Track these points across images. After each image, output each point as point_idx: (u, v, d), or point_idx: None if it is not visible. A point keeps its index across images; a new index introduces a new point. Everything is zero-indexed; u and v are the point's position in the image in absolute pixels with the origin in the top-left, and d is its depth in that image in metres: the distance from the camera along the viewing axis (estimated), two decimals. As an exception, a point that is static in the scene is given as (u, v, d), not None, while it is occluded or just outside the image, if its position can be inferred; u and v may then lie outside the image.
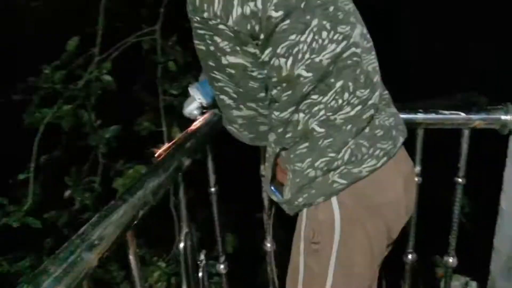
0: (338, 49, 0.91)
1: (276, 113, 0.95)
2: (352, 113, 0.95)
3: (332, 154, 0.95)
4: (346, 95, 0.93)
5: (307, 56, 0.88)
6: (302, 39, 0.87)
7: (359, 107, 0.95)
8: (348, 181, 0.96)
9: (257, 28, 0.85)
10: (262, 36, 0.86)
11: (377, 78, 1.01)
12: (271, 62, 0.89)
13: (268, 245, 1.58)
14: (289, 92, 0.91)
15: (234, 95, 0.97)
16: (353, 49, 0.93)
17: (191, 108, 1.30)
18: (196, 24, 0.89)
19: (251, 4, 0.84)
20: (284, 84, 0.91)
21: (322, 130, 0.94)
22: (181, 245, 1.22)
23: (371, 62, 1.00)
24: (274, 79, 0.91)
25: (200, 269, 1.33)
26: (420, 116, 1.36)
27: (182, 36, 2.45)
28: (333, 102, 0.93)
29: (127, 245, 0.94)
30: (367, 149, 0.96)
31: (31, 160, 2.15)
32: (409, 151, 1.15)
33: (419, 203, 1.44)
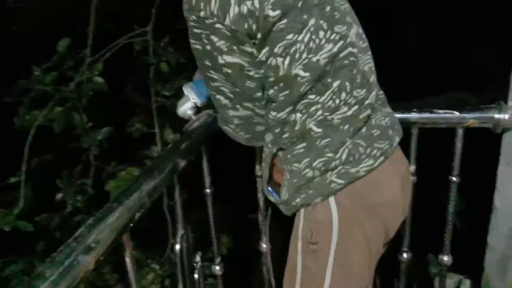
0: (335, 49, 0.90)
1: (273, 113, 0.95)
2: (349, 113, 0.95)
3: (330, 154, 0.95)
4: (343, 95, 0.93)
5: (304, 55, 0.88)
6: (300, 38, 0.87)
7: (356, 107, 0.95)
8: (346, 181, 0.95)
9: (254, 27, 0.85)
10: (259, 36, 0.86)
11: (373, 78, 1.01)
12: (268, 61, 0.88)
13: (264, 245, 1.57)
14: (286, 92, 0.91)
15: (231, 95, 0.96)
16: (350, 49, 0.93)
17: (185, 108, 1.28)
18: (192, 23, 0.88)
19: (248, 3, 0.83)
20: (281, 84, 0.90)
21: (320, 130, 0.94)
22: (177, 246, 1.21)
23: (367, 62, 1.00)
24: (271, 79, 0.90)
25: (196, 271, 1.32)
26: (414, 115, 1.37)
27: (174, 37, 2.43)
28: (331, 102, 0.92)
29: (123, 248, 0.93)
30: (365, 149, 0.96)
31: (22, 163, 2.12)
32: (403, 150, 1.15)
33: (413, 202, 1.45)
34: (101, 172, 2.47)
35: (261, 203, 1.52)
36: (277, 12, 0.84)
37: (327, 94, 0.92)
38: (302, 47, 0.87)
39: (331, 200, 0.97)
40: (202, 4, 0.85)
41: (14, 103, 2.15)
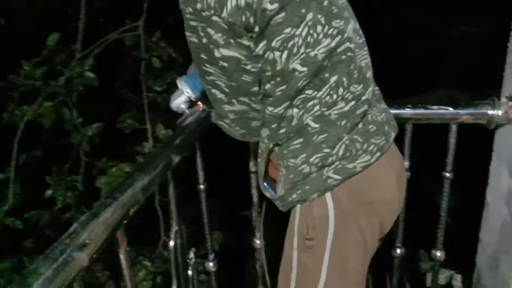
0: (333, 44, 0.90)
1: (270, 109, 0.94)
2: (346, 108, 0.94)
3: (327, 150, 0.94)
4: (340, 90, 0.92)
5: (302, 50, 0.87)
6: (297, 32, 0.86)
7: (353, 103, 0.95)
8: (343, 176, 0.95)
9: (251, 20, 0.83)
10: (256, 29, 0.84)
11: (369, 73, 1.01)
12: (266, 55, 0.87)
13: (258, 241, 1.57)
14: (284, 86, 0.90)
15: (226, 89, 0.95)
16: (347, 44, 0.92)
17: (178, 101, 1.26)
18: (188, 16, 0.87)
19: None
20: (278, 79, 0.89)
21: (317, 125, 0.93)
22: (171, 243, 1.20)
23: (363, 57, 0.99)
24: (268, 73, 0.89)
25: (190, 267, 1.31)
26: (408, 111, 1.37)
27: (166, 32, 2.41)
28: (328, 97, 0.92)
29: (117, 245, 0.91)
30: (361, 144, 0.96)
31: (11, 159, 2.09)
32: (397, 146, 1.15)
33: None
34: (92, 168, 2.45)
35: (255, 199, 1.51)
36: (275, 5, 0.83)
37: (324, 89, 0.91)
38: (300, 41, 0.86)
39: (328, 195, 0.97)
40: None
41: (3, 98, 2.11)
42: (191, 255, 1.32)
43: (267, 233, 1.68)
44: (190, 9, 0.85)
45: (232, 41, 0.86)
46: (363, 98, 0.96)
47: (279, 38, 0.85)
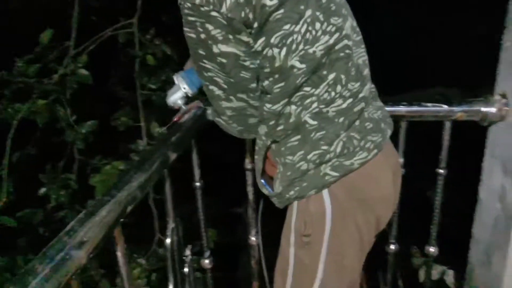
0: (331, 41, 0.90)
1: (268, 106, 0.94)
2: (344, 105, 0.95)
3: (324, 147, 0.95)
4: (338, 87, 0.93)
5: (301, 47, 0.87)
6: (296, 29, 0.86)
7: (350, 100, 0.95)
8: (340, 173, 0.96)
9: (251, 16, 0.83)
10: (255, 25, 0.84)
11: (366, 71, 1.01)
12: (264, 52, 0.87)
13: (253, 238, 1.57)
14: (282, 83, 0.90)
15: (224, 86, 0.94)
16: (345, 41, 0.92)
17: (175, 97, 1.26)
18: (186, 11, 0.86)
19: None
20: (276, 75, 0.89)
21: (315, 122, 0.94)
22: (168, 240, 1.20)
23: (361, 55, 1.00)
24: (267, 70, 0.89)
25: (186, 264, 1.31)
26: (403, 108, 1.38)
27: (160, 29, 2.40)
28: (326, 94, 0.92)
29: (114, 242, 0.91)
30: (358, 141, 0.97)
31: (4, 157, 2.07)
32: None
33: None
34: (85, 166, 2.44)
35: (251, 196, 1.52)
36: (274, 1, 0.82)
37: (322, 86, 0.91)
38: (299, 38, 0.86)
39: (325, 192, 0.97)
40: None
41: (-4, 96, 2.10)
42: (187, 252, 1.32)
43: (264, 230, 1.69)
44: (189, 4, 0.84)
45: (230, 37, 0.86)
46: (360, 95, 0.97)
47: (278, 34, 0.85)
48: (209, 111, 1.35)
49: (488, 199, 1.45)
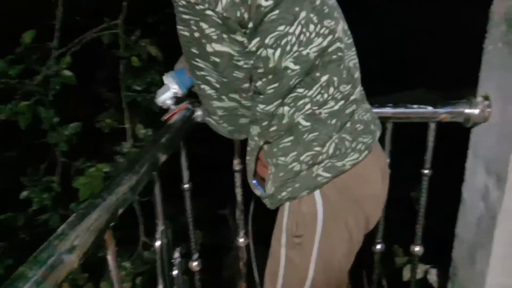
0: (324, 43, 0.91)
1: (261, 106, 0.94)
2: (336, 107, 0.96)
3: (317, 148, 0.96)
4: (331, 89, 0.94)
5: (295, 48, 0.87)
6: (291, 30, 0.86)
7: (342, 102, 0.96)
8: (332, 174, 0.97)
9: (246, 16, 0.83)
10: (250, 25, 0.84)
11: (357, 74, 1.02)
12: (259, 52, 0.87)
13: (241, 240, 1.57)
14: (276, 84, 0.90)
15: (217, 85, 0.94)
16: (338, 44, 0.93)
17: (164, 97, 1.25)
18: (180, 9, 0.85)
19: None
20: (270, 76, 0.90)
21: (308, 124, 0.94)
22: (157, 243, 1.19)
23: (352, 58, 1.01)
24: (260, 70, 0.89)
25: (175, 267, 1.30)
26: (389, 110, 1.40)
27: (145, 31, 2.38)
28: (319, 96, 0.93)
29: (105, 245, 0.90)
30: (350, 143, 0.98)
31: (-15, 160, 2.03)
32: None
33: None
34: (69, 169, 2.40)
35: (239, 198, 1.52)
36: (270, 2, 0.83)
37: (315, 88, 0.92)
38: (293, 39, 0.87)
39: (317, 193, 0.98)
40: None
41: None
42: (176, 254, 1.31)
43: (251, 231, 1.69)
44: (184, 2, 0.84)
45: (225, 36, 0.85)
46: (352, 98, 0.98)
47: (273, 35, 0.85)
48: (198, 112, 1.34)
49: (471, 198, 1.48)
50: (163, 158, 1.12)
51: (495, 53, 1.31)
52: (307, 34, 0.88)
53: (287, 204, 1.02)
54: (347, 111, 0.98)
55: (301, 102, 0.93)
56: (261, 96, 0.93)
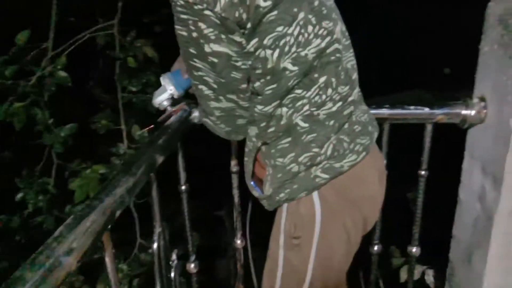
0: (323, 44, 0.91)
1: (260, 107, 0.94)
2: (334, 109, 0.96)
3: (316, 149, 0.95)
4: (329, 91, 0.94)
5: (293, 49, 0.87)
6: (289, 31, 0.86)
7: (340, 103, 0.96)
8: (331, 175, 0.97)
9: (244, 16, 0.83)
10: (249, 25, 0.84)
11: (355, 75, 1.02)
12: (257, 53, 0.87)
13: (238, 242, 1.57)
14: (274, 85, 0.90)
15: (214, 86, 0.93)
16: (336, 45, 0.93)
17: (161, 98, 1.25)
18: (179, 8, 0.85)
19: None
20: (268, 77, 0.89)
21: (306, 125, 0.94)
22: (155, 245, 1.18)
23: (349, 59, 1.01)
24: (259, 71, 0.89)
25: (172, 269, 1.30)
26: (386, 111, 1.40)
27: (141, 31, 2.38)
28: (317, 97, 0.93)
29: (102, 248, 0.90)
30: (348, 144, 0.98)
31: (-21, 161, 2.01)
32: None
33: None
34: (64, 170, 2.39)
35: (236, 199, 1.51)
36: (268, 2, 0.82)
37: (313, 89, 0.92)
38: (292, 40, 0.87)
39: (315, 194, 0.98)
40: None
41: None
42: (174, 256, 1.30)
43: (245, 232, 1.69)
44: (182, 2, 0.83)
45: (223, 36, 0.85)
46: (350, 99, 0.98)
47: (271, 36, 0.85)
48: (195, 113, 1.34)
49: (468, 199, 1.49)
50: (160, 159, 1.11)
51: (490, 54, 1.32)
52: (306, 35, 0.88)
53: (285, 205, 1.02)
54: (345, 112, 0.98)
55: (299, 103, 0.93)
56: (259, 97, 0.93)
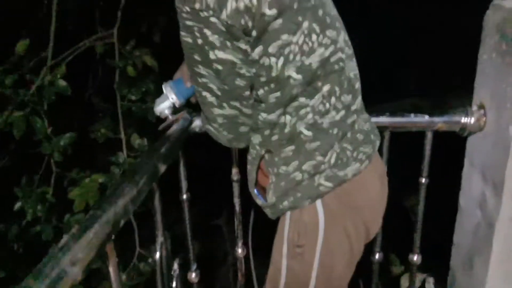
0: (327, 53, 0.91)
1: (264, 115, 0.94)
2: (337, 117, 0.96)
3: (319, 158, 0.96)
4: (332, 99, 0.94)
5: (298, 57, 0.88)
6: (294, 40, 0.87)
7: (343, 112, 0.97)
8: (334, 184, 0.97)
9: (250, 24, 0.83)
10: (254, 33, 0.85)
11: (358, 84, 1.03)
12: (261, 60, 0.88)
13: (240, 250, 1.56)
14: (278, 93, 0.91)
15: (218, 92, 0.93)
16: (339, 54, 0.94)
17: (162, 106, 1.25)
18: (184, 15, 0.85)
19: None
20: (272, 85, 0.90)
21: (310, 133, 0.95)
22: (157, 255, 1.18)
23: (352, 68, 1.02)
24: (263, 79, 0.90)
25: (174, 279, 1.29)
26: (386, 119, 1.41)
27: (140, 40, 2.39)
28: (321, 106, 0.93)
29: (106, 257, 0.89)
30: (351, 152, 0.98)
31: (-22, 171, 2.00)
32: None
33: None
34: (63, 180, 2.38)
35: (237, 208, 1.51)
36: (274, 11, 0.83)
37: (317, 97, 0.93)
38: (296, 49, 0.87)
39: (318, 202, 0.98)
40: None
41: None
42: (175, 266, 1.30)
43: (246, 241, 1.68)
44: (188, 9, 0.83)
45: (228, 43, 0.86)
46: (353, 108, 0.99)
47: (276, 44, 0.86)
48: (196, 122, 1.34)
49: (468, 206, 1.49)
50: (162, 168, 1.11)
51: (489, 62, 1.33)
52: (310, 43, 0.89)
53: (288, 213, 1.02)
54: (348, 121, 0.98)
55: (303, 111, 0.93)
56: (263, 105, 0.93)
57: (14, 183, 2.19)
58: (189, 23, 0.85)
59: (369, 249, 1.61)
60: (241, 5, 0.82)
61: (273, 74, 0.88)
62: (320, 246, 1.00)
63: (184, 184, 1.38)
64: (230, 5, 0.82)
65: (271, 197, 1.00)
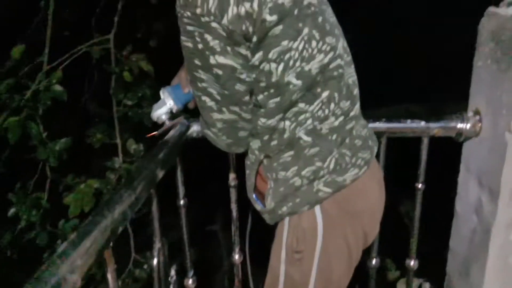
0: (326, 60, 0.92)
1: (263, 120, 0.94)
2: (336, 123, 0.97)
3: (318, 163, 0.96)
4: (332, 105, 0.95)
5: (297, 63, 0.88)
6: (294, 46, 0.87)
7: (342, 118, 0.97)
8: (333, 189, 0.97)
9: (250, 29, 0.84)
10: (254, 39, 0.85)
11: (356, 91, 1.04)
12: (261, 66, 0.88)
13: (237, 257, 1.56)
14: (277, 98, 0.91)
15: (218, 97, 0.93)
16: (339, 60, 0.95)
17: (160, 112, 1.25)
18: (185, 20, 0.85)
19: (247, 5, 0.82)
20: (272, 90, 0.90)
21: (309, 139, 0.95)
22: (154, 261, 1.17)
23: (351, 75, 1.02)
24: (263, 84, 0.90)
25: (171, 285, 1.29)
26: (383, 125, 1.41)
27: (136, 45, 2.39)
28: (320, 111, 0.94)
29: (104, 264, 0.89)
30: (350, 158, 0.99)
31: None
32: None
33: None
34: (57, 185, 2.36)
35: (234, 213, 1.51)
36: (274, 17, 0.84)
37: (316, 103, 0.93)
38: (296, 55, 0.88)
39: (317, 208, 0.98)
40: (199, 1, 0.82)
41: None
42: (172, 272, 1.29)
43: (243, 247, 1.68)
44: (189, 13, 0.84)
45: (229, 49, 0.86)
46: (351, 114, 0.99)
47: (276, 50, 0.87)
48: (193, 127, 1.34)
49: (464, 212, 1.50)
50: (160, 174, 1.11)
51: (484, 69, 1.35)
52: (310, 50, 0.89)
53: (286, 219, 1.02)
54: (347, 127, 0.99)
55: (302, 117, 0.94)
56: (262, 110, 0.94)
57: (9, 189, 2.17)
58: (190, 28, 0.86)
59: (365, 254, 1.62)
60: (242, 11, 0.82)
61: (273, 79, 0.89)
62: (318, 251, 1.00)
63: (181, 190, 1.38)
64: (231, 10, 0.82)
65: (270, 202, 1.00)
